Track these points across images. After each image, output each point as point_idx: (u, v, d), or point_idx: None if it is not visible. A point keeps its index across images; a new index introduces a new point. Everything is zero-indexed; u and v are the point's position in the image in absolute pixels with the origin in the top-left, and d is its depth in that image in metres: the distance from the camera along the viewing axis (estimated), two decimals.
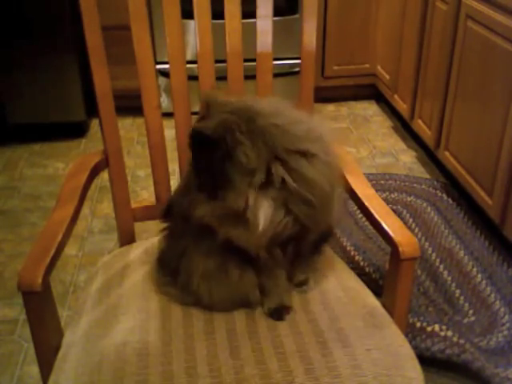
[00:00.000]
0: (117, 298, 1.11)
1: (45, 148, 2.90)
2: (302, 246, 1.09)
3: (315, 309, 1.08)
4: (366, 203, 1.17)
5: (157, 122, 1.31)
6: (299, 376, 0.94)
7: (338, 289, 1.14)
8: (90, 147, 2.88)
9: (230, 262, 1.01)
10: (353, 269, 1.97)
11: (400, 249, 1.04)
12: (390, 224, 1.10)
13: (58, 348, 1.05)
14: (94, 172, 1.29)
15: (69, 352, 1.02)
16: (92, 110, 2.86)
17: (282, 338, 1.01)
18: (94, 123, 3.06)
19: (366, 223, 2.21)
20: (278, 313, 1.05)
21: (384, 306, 1.11)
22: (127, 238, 1.35)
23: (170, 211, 1.12)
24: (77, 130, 2.99)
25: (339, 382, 0.93)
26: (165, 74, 2.94)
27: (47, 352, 1.04)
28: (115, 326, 1.04)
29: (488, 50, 2.02)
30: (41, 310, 1.00)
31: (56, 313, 1.07)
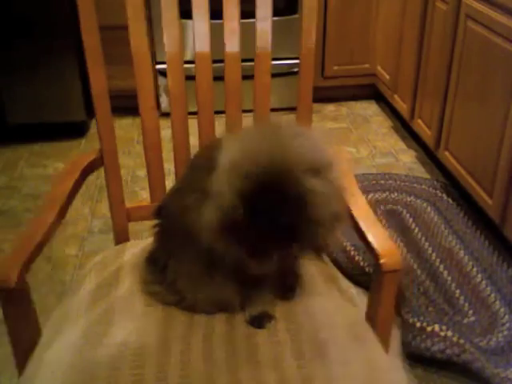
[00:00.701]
0: (109, 302, 1.10)
1: (45, 148, 2.90)
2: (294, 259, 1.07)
3: (298, 318, 1.05)
4: (354, 212, 1.14)
5: (153, 122, 1.31)
6: None
7: (325, 298, 1.11)
8: (89, 147, 2.88)
9: (216, 266, 1.00)
10: (352, 269, 1.98)
11: (382, 261, 1.02)
12: (375, 235, 1.08)
13: (33, 346, 1.05)
14: (89, 170, 1.29)
15: (47, 356, 1.01)
16: (92, 109, 2.86)
17: (259, 346, 0.99)
18: (94, 123, 3.06)
19: None
20: (260, 320, 1.04)
21: (368, 317, 1.10)
22: (121, 238, 1.34)
23: (163, 211, 1.12)
24: (77, 130, 2.99)
25: None
26: (165, 73, 2.93)
27: (23, 350, 1.05)
28: (110, 328, 1.03)
29: (488, 50, 2.02)
30: (16, 307, 1.00)
31: (33, 311, 1.06)
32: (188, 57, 2.87)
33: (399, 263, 1.03)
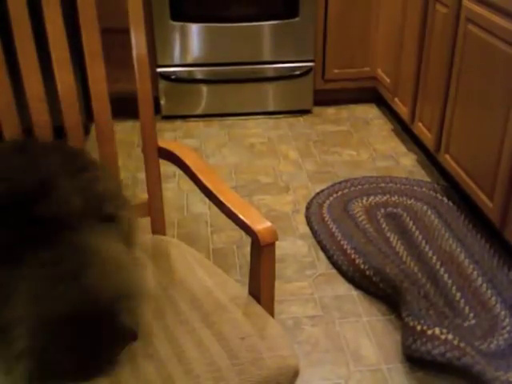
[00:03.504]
0: None
1: None
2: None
3: (185, 308, 1.11)
4: (222, 198, 1.21)
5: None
6: (180, 378, 0.96)
7: (204, 284, 1.18)
8: (90, 150, 2.87)
9: None
10: (353, 272, 1.98)
11: (259, 236, 1.10)
12: (248, 215, 1.15)
13: None
14: None
15: None
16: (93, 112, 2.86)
17: (156, 345, 1.03)
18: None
19: (367, 226, 2.21)
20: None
21: (251, 293, 1.16)
22: None
23: None
24: None
25: (219, 376, 0.97)
26: (165, 77, 2.94)
27: None
28: None
29: (488, 53, 2.02)
30: None
31: None
32: (189, 60, 2.88)
33: (275, 236, 1.12)
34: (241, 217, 1.15)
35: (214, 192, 1.22)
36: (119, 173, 1.32)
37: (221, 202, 1.19)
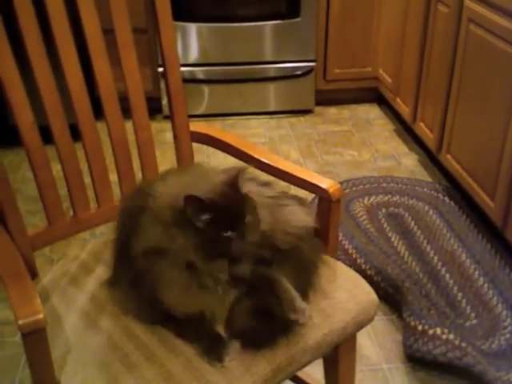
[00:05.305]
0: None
1: (48, 150, 2.90)
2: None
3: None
4: (281, 167, 1.25)
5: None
6: None
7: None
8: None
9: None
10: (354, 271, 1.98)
11: (330, 193, 1.17)
12: (312, 177, 1.22)
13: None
14: None
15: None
16: (96, 112, 2.86)
17: None
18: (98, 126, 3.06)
19: (368, 226, 2.21)
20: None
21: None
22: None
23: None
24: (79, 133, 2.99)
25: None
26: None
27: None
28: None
29: (490, 53, 2.02)
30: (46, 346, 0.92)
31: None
32: (190, 60, 2.88)
33: (342, 192, 1.21)
34: (308, 179, 1.20)
35: (271, 163, 1.25)
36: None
37: (281, 171, 1.24)
